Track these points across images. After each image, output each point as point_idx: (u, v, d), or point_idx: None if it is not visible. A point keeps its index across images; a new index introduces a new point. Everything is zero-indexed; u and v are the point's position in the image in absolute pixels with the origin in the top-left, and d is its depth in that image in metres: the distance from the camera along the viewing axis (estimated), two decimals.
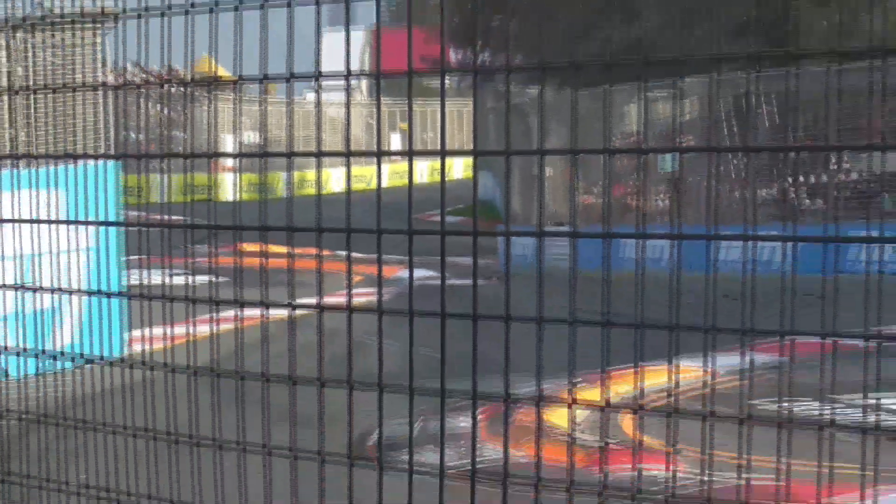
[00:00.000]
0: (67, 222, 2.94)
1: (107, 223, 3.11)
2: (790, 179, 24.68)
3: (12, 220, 2.84)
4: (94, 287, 2.97)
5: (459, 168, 46.30)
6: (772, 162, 26.89)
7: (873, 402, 1.92)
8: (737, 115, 29.09)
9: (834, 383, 2.21)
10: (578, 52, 2.55)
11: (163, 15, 2.58)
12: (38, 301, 2.92)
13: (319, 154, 2.61)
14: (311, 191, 2.78)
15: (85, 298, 3.11)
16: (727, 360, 3.15)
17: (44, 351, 2.91)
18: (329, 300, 2.54)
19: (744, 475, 2.10)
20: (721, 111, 27.92)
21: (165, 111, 3.75)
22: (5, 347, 2.82)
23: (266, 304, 2.62)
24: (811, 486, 1.94)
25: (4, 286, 2.81)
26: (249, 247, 2.83)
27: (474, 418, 2.54)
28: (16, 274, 2.92)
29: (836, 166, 24.32)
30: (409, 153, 2.51)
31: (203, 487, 2.51)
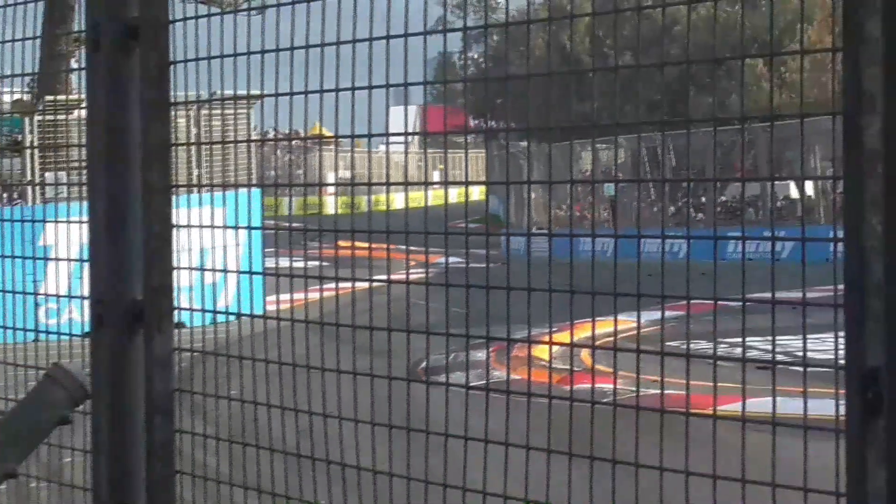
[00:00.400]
0: (228, 227, 2.91)
1: (253, 227, 3.08)
2: (686, 200, 24.58)
3: (196, 226, 2.82)
4: (245, 268, 2.94)
5: (476, 193, 46.30)
6: (674, 189, 26.75)
7: (746, 342, 1.90)
8: (652, 160, 28.95)
9: (716, 330, 2.17)
10: (551, 119, 2.51)
11: (289, 95, 2.57)
12: (208, 277, 2.90)
13: (388, 184, 2.59)
14: (383, 208, 2.76)
15: (239, 275, 3.08)
16: (650, 315, 3.11)
17: (211, 309, 2.89)
18: (394, 276, 2.51)
19: (662, 390, 2.06)
20: (642, 157, 27.80)
21: (290, 157, 3.72)
22: (187, 308, 2.79)
23: (354, 279, 2.60)
24: (708, 396, 1.90)
25: (189, 268, 2.79)
26: (343, 243, 2.80)
27: (487, 352, 2.50)
28: (198, 260, 2.90)
29: (714, 192, 24.17)
30: (445, 183, 2.49)
31: (312, 397, 2.48)
